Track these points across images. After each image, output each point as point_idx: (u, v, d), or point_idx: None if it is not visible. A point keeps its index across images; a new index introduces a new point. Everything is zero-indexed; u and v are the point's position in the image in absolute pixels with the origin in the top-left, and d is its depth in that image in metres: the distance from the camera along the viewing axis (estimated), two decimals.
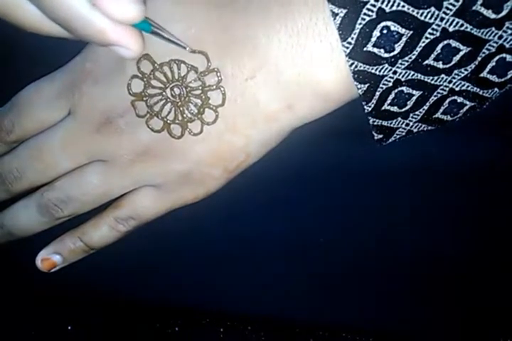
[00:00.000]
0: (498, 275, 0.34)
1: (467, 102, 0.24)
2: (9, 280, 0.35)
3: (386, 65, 0.22)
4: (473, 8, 0.21)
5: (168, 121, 0.25)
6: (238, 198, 0.30)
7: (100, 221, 0.29)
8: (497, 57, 0.23)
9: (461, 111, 0.25)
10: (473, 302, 0.34)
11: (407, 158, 0.31)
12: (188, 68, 0.24)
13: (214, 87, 0.24)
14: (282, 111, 0.25)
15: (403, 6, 0.21)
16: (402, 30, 0.21)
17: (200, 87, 0.25)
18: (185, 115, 0.25)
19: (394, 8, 0.21)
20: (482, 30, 0.22)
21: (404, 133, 0.26)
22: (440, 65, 0.23)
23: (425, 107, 0.24)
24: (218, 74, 0.24)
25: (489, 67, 0.23)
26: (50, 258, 0.29)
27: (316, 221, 0.33)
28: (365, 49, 0.22)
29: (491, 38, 0.22)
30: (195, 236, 0.34)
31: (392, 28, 0.21)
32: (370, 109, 0.24)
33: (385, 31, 0.21)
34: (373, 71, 0.23)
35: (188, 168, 0.26)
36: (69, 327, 0.35)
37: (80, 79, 0.26)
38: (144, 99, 0.25)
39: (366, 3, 0.21)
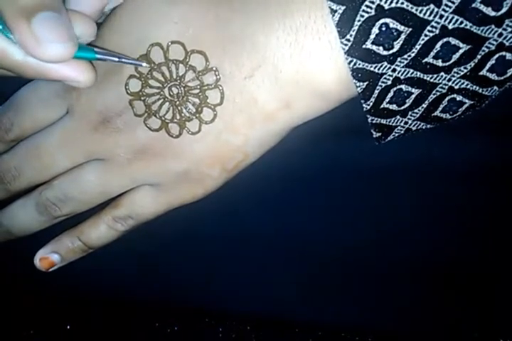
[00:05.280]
0: (498, 275, 0.34)
1: (466, 100, 0.24)
2: (8, 279, 0.35)
3: (385, 63, 0.22)
4: (473, 5, 0.21)
5: (166, 120, 0.25)
6: (237, 198, 0.30)
7: (98, 220, 0.29)
8: (496, 55, 0.22)
9: (461, 109, 0.24)
10: (473, 302, 0.34)
11: (406, 158, 0.31)
12: (186, 68, 0.24)
13: (212, 86, 0.24)
14: (280, 110, 0.24)
15: (402, 3, 0.21)
16: (401, 28, 0.21)
17: (199, 86, 0.24)
18: (183, 114, 0.25)
19: (393, 5, 0.21)
20: (482, 28, 0.21)
21: (402, 132, 0.25)
22: (439, 63, 0.22)
23: (424, 105, 0.24)
24: (216, 73, 0.24)
25: (489, 65, 0.23)
26: (48, 257, 0.29)
27: (315, 220, 0.33)
28: (364, 46, 0.22)
29: (490, 35, 0.22)
30: (194, 236, 0.33)
31: (391, 25, 0.21)
32: (368, 107, 0.24)
33: (383, 28, 0.21)
34: (372, 69, 0.22)
35: (186, 167, 0.26)
36: (68, 326, 0.35)
37: None
38: (142, 98, 0.25)
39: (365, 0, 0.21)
